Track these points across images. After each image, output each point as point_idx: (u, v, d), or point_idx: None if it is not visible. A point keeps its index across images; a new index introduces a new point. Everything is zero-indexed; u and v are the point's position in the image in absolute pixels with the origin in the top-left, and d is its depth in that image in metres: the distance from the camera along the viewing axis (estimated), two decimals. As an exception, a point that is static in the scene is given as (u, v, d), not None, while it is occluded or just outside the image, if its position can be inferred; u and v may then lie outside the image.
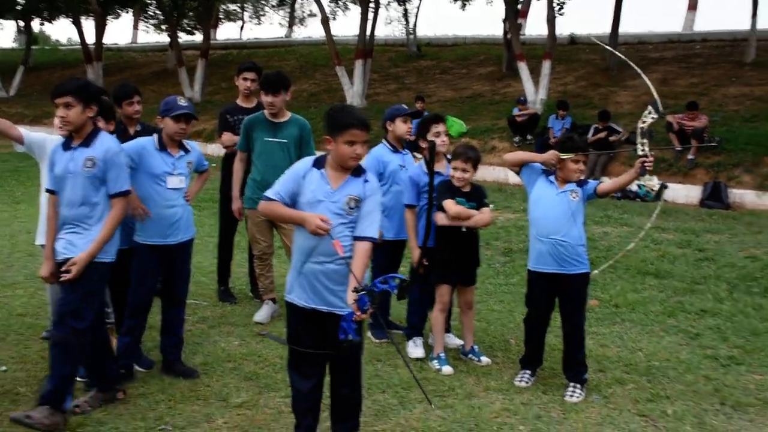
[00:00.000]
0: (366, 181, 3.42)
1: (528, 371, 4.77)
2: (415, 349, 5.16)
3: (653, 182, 4.39)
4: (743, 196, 11.85)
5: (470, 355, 5.05)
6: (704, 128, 12.71)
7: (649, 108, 4.39)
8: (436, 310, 5.01)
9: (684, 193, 12.30)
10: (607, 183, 4.70)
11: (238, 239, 6.59)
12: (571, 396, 4.47)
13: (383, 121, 5.48)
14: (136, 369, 4.57)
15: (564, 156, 4.48)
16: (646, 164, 4.35)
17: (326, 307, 3.38)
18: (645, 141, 4.38)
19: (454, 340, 5.37)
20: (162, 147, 4.50)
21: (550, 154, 4.55)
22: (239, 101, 6.25)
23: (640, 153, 4.38)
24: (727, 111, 14.26)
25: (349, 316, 3.09)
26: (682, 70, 17.21)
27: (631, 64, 5.30)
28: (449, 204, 4.79)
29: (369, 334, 5.41)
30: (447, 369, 4.83)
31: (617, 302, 6.48)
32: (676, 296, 6.64)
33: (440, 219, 4.83)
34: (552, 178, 4.59)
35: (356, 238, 3.34)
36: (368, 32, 19.18)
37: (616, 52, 5.64)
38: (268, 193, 3.41)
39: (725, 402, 4.40)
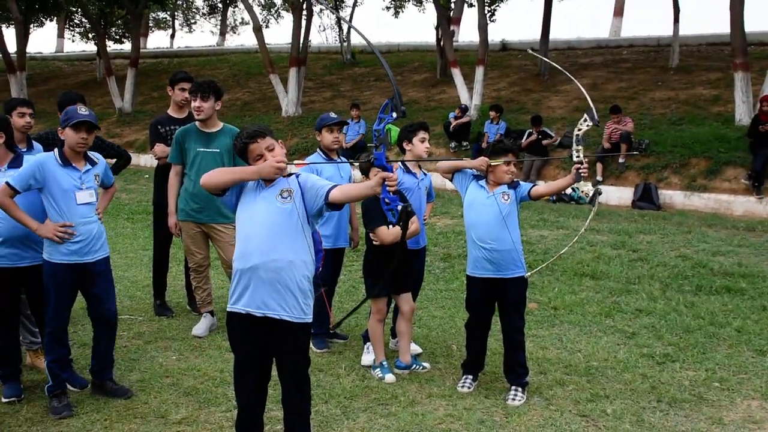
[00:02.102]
0: (297, 176, 3.48)
1: (470, 376, 4.77)
2: (367, 355, 5.13)
3: (587, 188, 4.43)
4: (673, 197, 12.21)
5: (414, 366, 5.00)
6: (631, 132, 13.05)
7: (585, 116, 4.45)
8: (373, 320, 4.99)
9: (617, 195, 12.61)
10: (542, 186, 4.74)
11: (175, 251, 6.43)
12: (513, 399, 4.49)
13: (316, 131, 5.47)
14: (69, 389, 4.39)
15: (494, 162, 4.50)
16: (581, 170, 4.41)
17: (271, 312, 3.36)
18: (580, 148, 4.43)
19: (411, 346, 5.35)
20: (65, 162, 4.22)
21: (480, 161, 4.59)
22: (171, 111, 6.12)
23: (575, 159, 4.44)
24: (655, 114, 14.69)
25: (384, 194, 3.14)
26: (610, 74, 17.66)
27: (566, 72, 5.40)
28: (382, 233, 4.74)
29: (310, 344, 5.33)
30: (389, 377, 4.80)
31: (555, 304, 6.57)
32: (612, 297, 6.76)
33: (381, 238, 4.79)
34: (482, 182, 4.63)
35: (329, 194, 3.33)
36: (302, 40, 19.08)
37: (551, 62, 5.70)
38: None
39: (662, 399, 4.49)
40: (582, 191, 4.41)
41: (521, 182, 4.72)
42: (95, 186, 4.36)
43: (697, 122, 13.88)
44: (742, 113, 13.27)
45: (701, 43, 18.82)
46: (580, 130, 4.47)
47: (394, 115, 3.29)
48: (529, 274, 4.63)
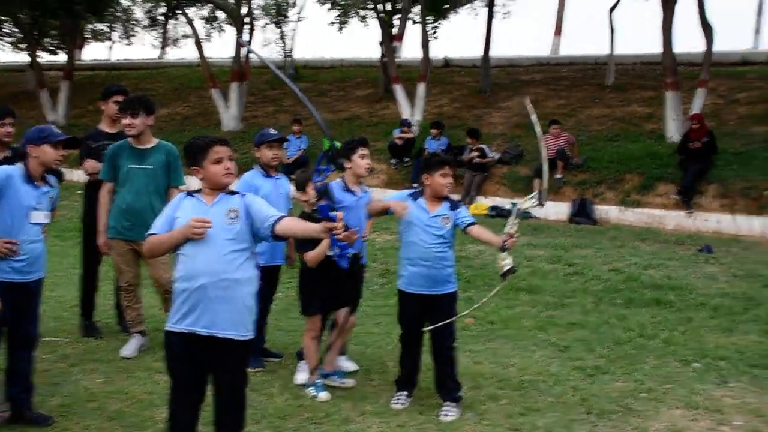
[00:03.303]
0: (242, 196, 3.52)
1: (404, 392, 4.76)
2: (300, 373, 5.07)
3: (506, 261, 4.41)
4: (608, 211, 12.50)
5: (333, 377, 4.98)
6: (565, 149, 13.30)
7: (536, 195, 4.43)
8: (307, 337, 4.94)
9: (554, 210, 12.82)
10: (476, 230, 4.59)
11: (105, 269, 6.27)
12: (446, 415, 4.49)
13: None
14: None
15: (404, 207, 4.51)
16: (507, 243, 4.37)
17: (218, 331, 3.34)
18: (517, 221, 4.44)
19: (346, 363, 5.32)
20: (29, 178, 4.13)
21: (399, 207, 4.55)
22: (103, 126, 5.99)
23: (507, 230, 4.42)
24: (591, 131, 15.02)
25: (334, 243, 3.23)
26: (550, 91, 18.01)
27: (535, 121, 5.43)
28: (310, 257, 4.72)
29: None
30: (323, 395, 4.75)
31: (492, 319, 6.63)
32: (547, 311, 6.86)
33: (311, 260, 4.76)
34: (422, 201, 4.60)
35: (275, 225, 3.36)
36: (244, 54, 18.95)
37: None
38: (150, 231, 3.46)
39: (591, 411, 4.56)
40: (500, 263, 4.42)
41: (462, 206, 4.72)
42: (49, 207, 4.29)
43: (631, 139, 14.26)
44: (673, 131, 13.69)
45: (636, 62, 19.34)
46: (525, 204, 4.48)
47: (332, 167, 3.36)
48: (459, 316, 4.66)
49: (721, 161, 12.40)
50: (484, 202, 13.23)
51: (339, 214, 3.23)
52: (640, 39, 39.25)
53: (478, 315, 6.76)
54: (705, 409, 4.60)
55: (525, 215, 12.43)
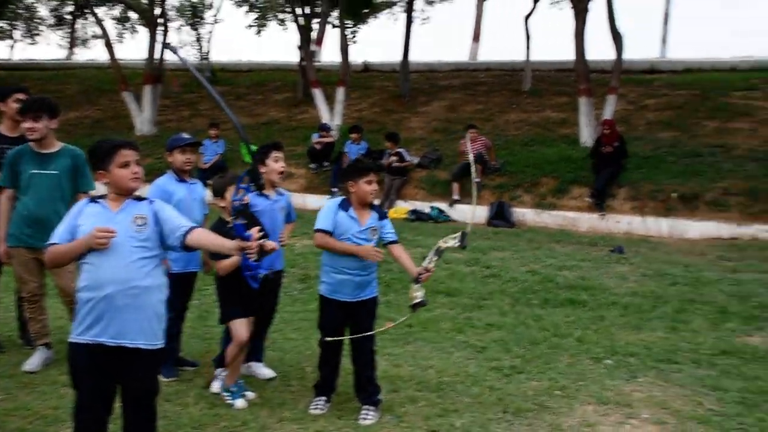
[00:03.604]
0: (150, 202, 3.42)
1: (323, 398, 4.72)
2: (217, 382, 4.95)
3: (418, 294, 4.42)
4: (525, 214, 12.77)
5: (232, 389, 4.76)
6: (482, 153, 13.53)
7: (459, 236, 4.43)
8: (234, 345, 4.74)
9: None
10: (397, 250, 4.57)
11: (6, 280, 5.97)
12: (365, 419, 4.47)
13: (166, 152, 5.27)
14: None
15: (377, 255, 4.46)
16: (422, 276, 4.40)
17: (127, 341, 3.25)
18: (436, 258, 4.46)
19: (264, 371, 5.23)
20: None
21: (371, 254, 4.48)
22: (2, 129, 5.70)
23: (425, 264, 4.43)
24: (509, 135, 15.34)
25: (246, 262, 3.20)
26: (468, 97, 18.29)
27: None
28: (221, 266, 4.59)
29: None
30: (240, 403, 4.65)
31: (410, 322, 6.62)
32: (465, 312, 6.93)
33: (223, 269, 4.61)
34: (352, 211, 4.53)
35: (186, 236, 3.31)
36: (158, 56, 18.51)
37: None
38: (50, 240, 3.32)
39: (507, 410, 4.62)
40: (411, 294, 4.43)
41: (387, 218, 4.67)
42: None
43: (546, 143, 14.63)
44: (586, 135, 14.13)
45: (551, 69, 19.86)
46: (446, 243, 4.47)
47: (253, 186, 3.37)
48: (374, 332, 4.63)
49: (632, 165, 12.87)
50: (403, 206, 13.31)
51: (255, 233, 3.20)
52: (555, 46, 40.45)
53: (397, 318, 6.76)
54: (615, 404, 4.73)
55: (441, 217, 12.60)
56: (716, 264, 9.07)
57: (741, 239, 11.10)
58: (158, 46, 18.51)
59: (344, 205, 4.55)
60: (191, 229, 3.33)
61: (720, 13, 45.87)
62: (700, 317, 6.68)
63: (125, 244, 3.25)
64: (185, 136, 5.29)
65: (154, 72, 18.22)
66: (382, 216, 4.64)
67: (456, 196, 13.24)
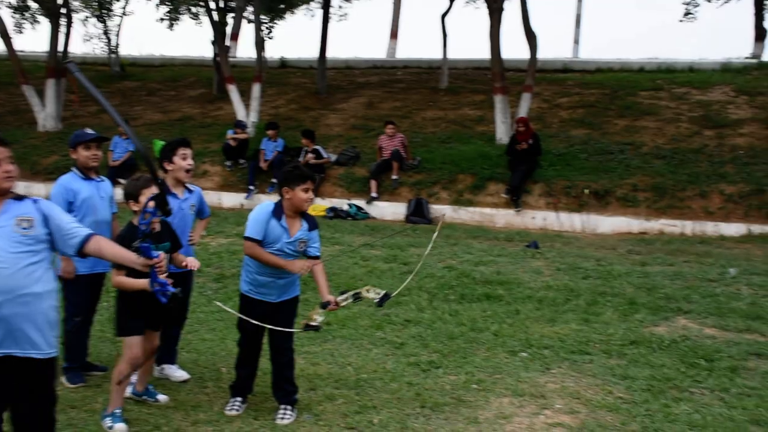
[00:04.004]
0: (35, 201, 3.22)
1: (239, 398, 4.63)
2: (129, 385, 4.75)
3: (318, 318, 4.38)
4: (442, 211, 12.88)
5: (144, 396, 4.66)
6: (400, 150, 13.59)
7: (380, 295, 4.43)
8: (124, 362, 4.35)
9: (391, 210, 13.07)
10: (317, 267, 4.51)
11: None
12: (282, 418, 4.42)
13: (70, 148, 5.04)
14: None
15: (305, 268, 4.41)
16: (330, 306, 4.38)
17: (17, 351, 3.08)
18: (350, 300, 4.45)
19: (177, 373, 5.08)
20: None
21: (299, 267, 4.42)
22: None
23: (338, 298, 4.41)
24: (426, 133, 15.44)
25: (155, 279, 3.16)
26: (386, 94, 18.33)
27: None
28: (117, 281, 4.19)
29: (63, 379, 4.89)
30: (120, 427, 4.24)
31: (328, 320, 6.57)
32: (383, 309, 6.90)
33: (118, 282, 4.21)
34: (283, 221, 4.40)
35: (85, 244, 3.18)
36: (61, 48, 17.74)
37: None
38: None
39: (425, 405, 4.64)
40: (312, 315, 4.40)
41: (317, 231, 4.56)
42: None
43: (463, 141, 14.80)
44: (502, 133, 14.37)
45: (468, 67, 20.12)
46: (368, 292, 4.45)
47: (159, 212, 3.28)
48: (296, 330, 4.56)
49: (546, 162, 13.17)
50: (321, 204, 13.22)
51: (162, 254, 3.12)
52: (472, 45, 41.09)
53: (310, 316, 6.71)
54: (530, 396, 4.82)
55: (359, 215, 12.59)
56: (626, 258, 9.37)
57: (649, 233, 11.53)
58: (62, 38, 17.74)
59: (277, 213, 4.41)
60: (90, 236, 3.18)
61: (630, 15, 47.71)
62: (611, 309, 6.88)
63: (12, 250, 3.05)
64: (89, 131, 5.07)
65: (57, 65, 17.42)
66: (312, 227, 4.53)
67: (374, 194, 13.25)
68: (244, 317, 4.47)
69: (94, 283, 5.09)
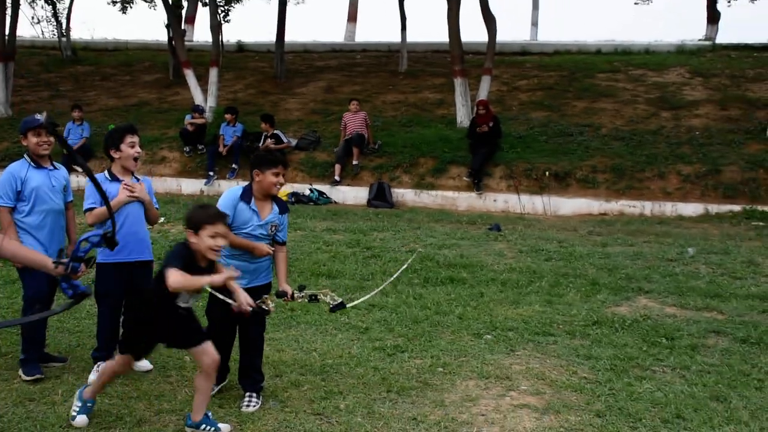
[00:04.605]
0: None
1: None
2: (95, 373, 4.66)
3: (269, 304, 4.32)
4: (404, 194, 12.88)
5: (204, 426, 4.10)
6: (363, 133, 13.54)
7: (337, 303, 4.42)
8: (111, 366, 4.14)
9: (352, 194, 13.02)
10: (281, 255, 4.48)
11: None
12: (248, 406, 4.37)
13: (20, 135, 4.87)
14: None
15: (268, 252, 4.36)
16: (285, 298, 4.41)
17: None
18: (305, 300, 4.43)
19: (141, 363, 4.91)
20: None
21: (263, 250, 4.34)
22: None
23: (294, 290, 4.40)
24: (387, 117, 15.40)
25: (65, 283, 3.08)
26: (345, 78, 18.22)
27: None
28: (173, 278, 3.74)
29: (20, 372, 4.75)
30: (81, 420, 4.07)
31: (292, 306, 6.51)
32: (347, 294, 6.86)
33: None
34: (253, 204, 4.36)
35: None
36: (8, 32, 17.19)
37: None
38: None
39: (391, 389, 4.62)
40: (266, 300, 4.32)
41: (287, 215, 4.52)
42: None
43: (424, 124, 14.80)
44: (463, 116, 14.39)
45: (427, 50, 20.11)
46: (324, 297, 4.42)
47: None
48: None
49: (506, 144, 13.24)
50: (283, 189, 13.09)
51: (83, 266, 3.04)
52: (431, 27, 41.03)
53: (279, 302, 6.63)
54: (496, 378, 4.83)
55: (321, 199, 12.52)
56: (587, 239, 9.47)
57: (609, 214, 11.68)
58: (8, 21, 17.19)
59: (245, 196, 4.36)
60: None
61: (584, -1, 48.07)
62: (574, 290, 6.94)
63: None
64: (37, 116, 4.86)
65: (4, 49, 16.88)
66: (283, 210, 4.50)
67: (337, 177, 13.18)
68: (224, 297, 4.17)
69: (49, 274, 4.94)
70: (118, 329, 4.77)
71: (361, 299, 4.85)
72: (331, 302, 4.40)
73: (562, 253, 8.39)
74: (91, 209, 4.60)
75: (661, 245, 8.92)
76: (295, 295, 4.37)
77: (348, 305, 4.51)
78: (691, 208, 11.51)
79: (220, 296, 4.17)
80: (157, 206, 5.04)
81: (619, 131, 13.63)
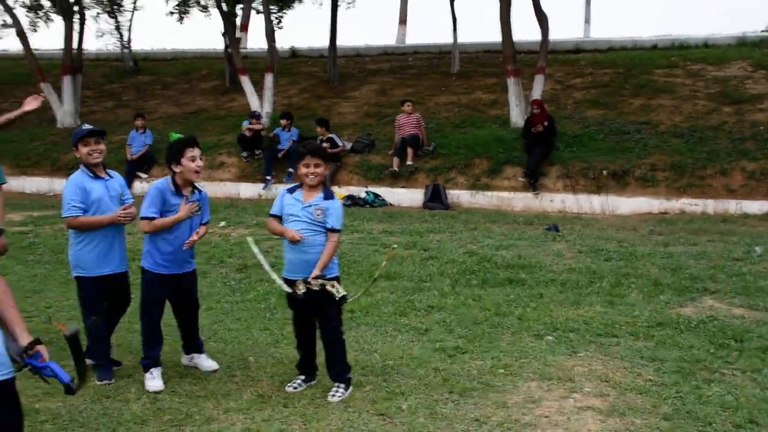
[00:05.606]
0: None
1: (301, 376, 4.78)
2: (151, 381, 4.79)
3: (337, 290, 4.50)
4: (459, 196, 12.85)
5: None
6: (418, 135, 13.57)
7: (345, 295, 4.55)
8: None
9: (408, 197, 13.06)
10: (329, 243, 4.56)
11: None
12: (333, 395, 4.55)
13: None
14: None
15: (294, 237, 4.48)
16: (311, 281, 4.47)
17: None
18: (315, 287, 4.49)
19: (207, 362, 5.08)
20: None
21: (290, 234, 4.50)
22: None
23: (311, 280, 4.49)
24: (440, 118, 15.39)
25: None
26: (397, 80, 18.28)
27: None
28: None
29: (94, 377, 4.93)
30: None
31: (352, 308, 6.57)
32: (406, 296, 6.91)
33: None
34: (297, 194, 4.59)
35: None
36: (76, 46, 17.83)
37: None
38: None
39: (453, 390, 4.63)
40: (298, 285, 4.51)
41: (333, 201, 4.62)
42: None
43: (477, 125, 14.74)
44: (516, 116, 14.29)
45: (479, 51, 20.01)
46: (333, 287, 4.51)
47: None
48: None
49: (562, 144, 13.10)
50: (339, 191, 13.23)
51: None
52: (483, 28, 40.82)
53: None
54: (558, 379, 4.79)
55: (377, 202, 12.58)
56: (648, 238, 9.31)
57: (670, 213, 11.45)
58: (76, 35, 17.84)
59: (291, 190, 4.66)
60: None
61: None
62: (636, 291, 6.83)
63: None
64: (86, 126, 4.97)
65: (73, 62, 17.53)
66: (328, 196, 4.61)
67: (396, 168, 13.24)
68: (280, 283, 4.59)
69: (105, 282, 5.05)
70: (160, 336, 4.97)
71: (359, 293, 4.95)
72: (337, 294, 4.50)
73: (622, 253, 8.27)
74: (151, 218, 4.71)
75: (726, 244, 8.71)
76: (311, 282, 4.48)
77: (349, 299, 4.61)
78: (756, 206, 11.20)
79: (278, 281, 4.56)
80: (208, 218, 5.07)
81: (678, 128, 13.34)
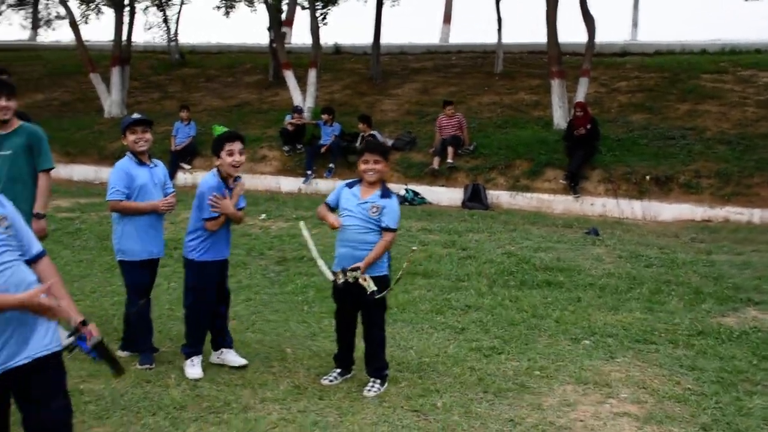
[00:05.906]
0: (2, 205, 2.99)
1: (338, 369, 4.85)
2: (191, 368, 4.88)
3: (368, 285, 4.55)
4: (499, 196, 12.79)
5: None
6: (459, 135, 13.55)
7: (375, 290, 4.56)
8: None
9: (447, 196, 13.04)
10: (381, 241, 4.61)
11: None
12: (369, 390, 4.60)
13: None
14: None
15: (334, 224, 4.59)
16: (348, 272, 4.55)
17: (19, 359, 2.87)
18: (349, 279, 4.57)
19: (235, 358, 5.12)
20: None
21: (331, 220, 4.63)
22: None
23: (348, 271, 4.56)
24: (482, 118, 15.33)
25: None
26: (440, 79, 18.24)
27: None
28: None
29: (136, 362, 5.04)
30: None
31: (389, 304, 6.60)
32: (443, 294, 6.92)
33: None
34: (356, 189, 4.66)
35: (33, 263, 3.03)
36: (125, 38, 18.18)
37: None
38: None
39: (488, 390, 4.64)
40: (349, 272, 4.57)
41: (392, 199, 4.66)
42: None
43: (520, 126, 14.65)
44: (559, 118, 14.17)
45: (523, 51, 19.87)
46: (365, 280, 4.55)
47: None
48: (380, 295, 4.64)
49: (605, 147, 12.95)
50: (378, 189, 13.26)
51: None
52: (527, 28, 40.43)
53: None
54: (594, 384, 4.77)
55: (417, 200, 12.58)
56: (690, 246, 9.17)
57: (713, 221, 11.24)
58: (125, 28, 18.18)
59: (350, 184, 4.75)
60: (40, 256, 3.04)
61: (688, -2, 46.27)
62: (676, 298, 6.74)
63: None
64: (135, 115, 5.11)
65: (122, 54, 17.89)
66: (386, 194, 4.65)
67: (436, 166, 13.25)
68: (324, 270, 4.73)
69: (151, 266, 5.18)
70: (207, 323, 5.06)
71: (384, 292, 4.69)
72: (368, 288, 4.54)
73: (663, 260, 8.16)
74: (214, 218, 4.79)
75: (772, 254, 8.54)
76: (347, 272, 4.55)
77: (377, 295, 4.58)
78: (805, 217, 10.94)
79: (323, 267, 4.72)
80: (243, 204, 5.10)
81: (726, 135, 13.08)
